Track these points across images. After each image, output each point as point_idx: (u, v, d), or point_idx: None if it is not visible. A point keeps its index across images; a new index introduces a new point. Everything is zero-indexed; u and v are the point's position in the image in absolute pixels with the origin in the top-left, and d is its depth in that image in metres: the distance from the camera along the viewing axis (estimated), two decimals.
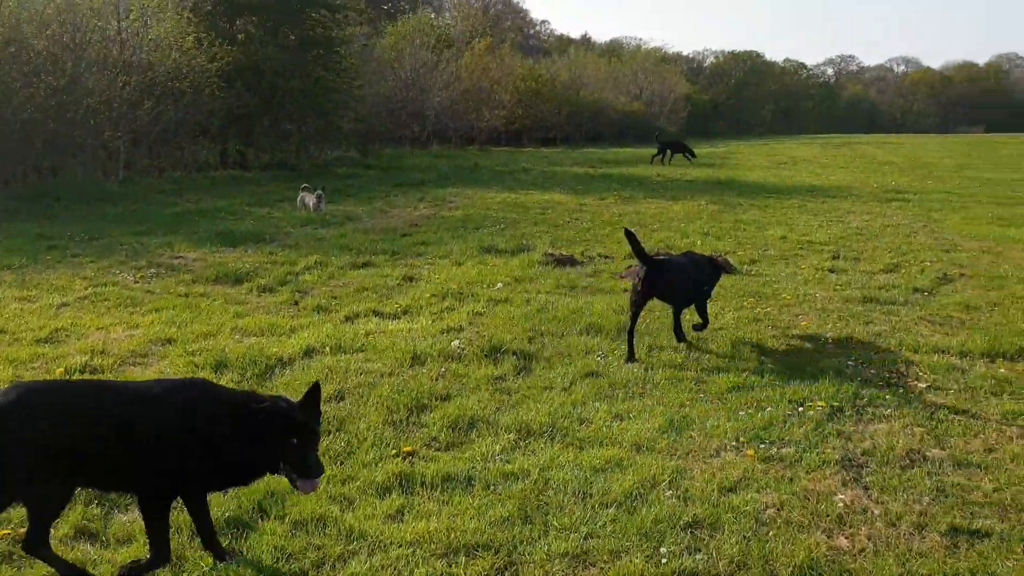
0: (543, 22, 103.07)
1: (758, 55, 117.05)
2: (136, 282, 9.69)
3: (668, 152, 32.66)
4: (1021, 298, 8.65)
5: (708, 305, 7.42)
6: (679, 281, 7.09)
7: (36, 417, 3.42)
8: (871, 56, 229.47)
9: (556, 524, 4.13)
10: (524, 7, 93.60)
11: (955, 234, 13.12)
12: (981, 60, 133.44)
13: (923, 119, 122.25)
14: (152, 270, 10.35)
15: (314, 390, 3.72)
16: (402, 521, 4.22)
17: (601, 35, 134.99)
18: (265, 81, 25.17)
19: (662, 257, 7.38)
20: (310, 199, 15.63)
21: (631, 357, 6.71)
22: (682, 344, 7.09)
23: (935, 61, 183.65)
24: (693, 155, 32.89)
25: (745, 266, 10.58)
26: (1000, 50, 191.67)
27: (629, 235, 6.99)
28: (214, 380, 6.05)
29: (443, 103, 43.94)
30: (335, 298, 9.04)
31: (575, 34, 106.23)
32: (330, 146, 29.96)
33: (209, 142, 26.29)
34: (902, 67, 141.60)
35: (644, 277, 6.90)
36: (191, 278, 9.91)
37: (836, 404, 5.58)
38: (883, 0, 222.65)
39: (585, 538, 4.01)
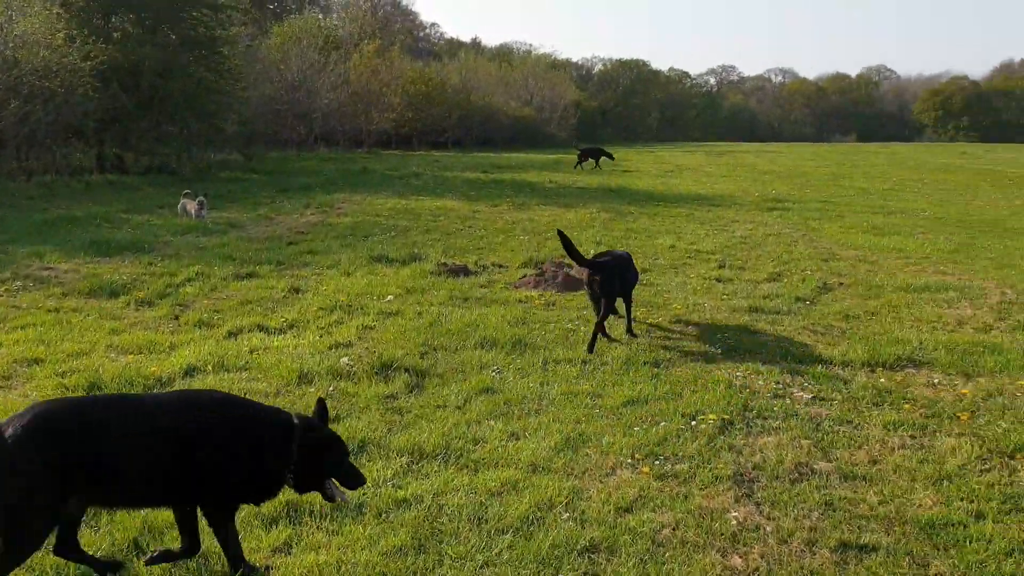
0: (433, 25, 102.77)
1: (644, 63, 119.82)
2: (0, 296, 9.07)
3: (587, 158, 34.08)
4: (897, 307, 8.99)
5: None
6: (624, 277, 7.89)
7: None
8: (751, 66, 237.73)
9: (451, 553, 4.00)
10: (414, 9, 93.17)
11: (833, 243, 13.62)
12: (853, 72, 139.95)
13: (800, 128, 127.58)
14: (19, 283, 9.71)
15: (322, 406, 3.95)
16: (290, 554, 4.03)
17: (491, 39, 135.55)
18: (144, 81, 24.18)
19: (606, 260, 7.92)
20: (191, 206, 15.05)
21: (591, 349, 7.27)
22: (577, 357, 7.07)
23: (810, 72, 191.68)
24: (612, 157, 34.71)
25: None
26: (870, 62, 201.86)
27: (563, 237, 7.56)
28: None
29: (331, 105, 43.20)
30: (217, 312, 8.67)
31: (465, 38, 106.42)
32: (213, 149, 29.01)
33: (84, 145, 25.07)
34: (780, 77, 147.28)
35: (601, 280, 7.55)
36: (62, 291, 9.35)
37: (727, 417, 5.64)
38: (762, 12, 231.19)
39: (481, 567, 3.90)
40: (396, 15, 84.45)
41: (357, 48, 53.51)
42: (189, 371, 6.62)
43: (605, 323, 7.61)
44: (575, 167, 33.54)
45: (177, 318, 8.41)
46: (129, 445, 3.45)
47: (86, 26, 23.80)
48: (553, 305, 9.12)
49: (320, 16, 66.24)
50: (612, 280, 7.63)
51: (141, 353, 7.14)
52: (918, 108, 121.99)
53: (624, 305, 8.05)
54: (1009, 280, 10.50)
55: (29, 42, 20.60)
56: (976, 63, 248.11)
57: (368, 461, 5.04)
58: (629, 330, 7.95)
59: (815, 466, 4.97)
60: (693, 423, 5.56)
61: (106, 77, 22.87)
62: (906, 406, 5.91)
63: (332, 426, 5.46)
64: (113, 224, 14.66)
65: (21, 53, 20.42)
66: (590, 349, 7.26)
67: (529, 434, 5.44)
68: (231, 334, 7.80)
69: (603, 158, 34.21)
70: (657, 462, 5.01)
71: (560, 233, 7.56)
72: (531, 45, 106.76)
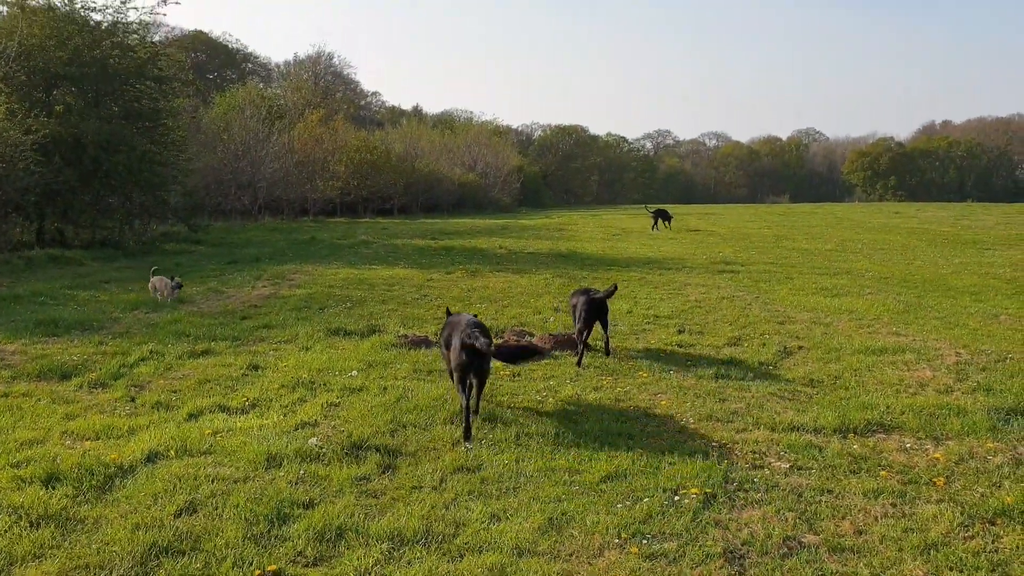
0: (374, 93, 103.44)
1: (583, 129, 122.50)
2: None
3: (659, 219, 36.46)
4: (858, 370, 9.12)
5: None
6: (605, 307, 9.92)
7: None
8: (685, 131, 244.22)
9: None
10: (355, 78, 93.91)
11: (786, 306, 13.84)
12: (784, 134, 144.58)
13: (734, 189, 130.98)
14: None
15: None
16: None
17: (432, 107, 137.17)
18: (86, 155, 23.80)
19: (597, 294, 9.97)
20: (162, 285, 14.45)
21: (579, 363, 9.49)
22: (551, 430, 7.00)
23: (743, 135, 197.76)
24: (670, 219, 36.90)
25: (597, 342, 10.72)
26: (799, 125, 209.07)
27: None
28: (43, 497, 5.47)
29: (276, 174, 43.07)
30: (175, 392, 8.42)
31: (406, 105, 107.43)
32: (156, 221, 28.56)
33: (24, 219, 24.44)
34: (714, 141, 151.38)
35: (588, 308, 9.70)
36: (10, 375, 9.00)
37: (709, 491, 5.60)
38: (697, 80, 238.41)
39: None
40: (338, 84, 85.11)
41: (301, 117, 53.66)
42: (151, 457, 6.38)
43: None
44: (652, 229, 35.65)
45: (134, 400, 8.14)
46: None
47: (27, 100, 23.48)
48: (518, 376, 9.05)
49: (262, 86, 66.45)
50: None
51: (99, 439, 6.87)
52: (847, 169, 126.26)
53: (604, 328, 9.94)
54: (961, 340, 10.75)
55: None
56: (899, 125, 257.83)
57: (347, 549, 4.88)
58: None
59: (803, 539, 4.94)
60: (676, 498, 5.51)
61: (48, 151, 22.50)
62: (883, 472, 5.95)
63: (305, 513, 5.34)
64: (59, 301, 14.24)
65: None
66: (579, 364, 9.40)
67: (511, 515, 5.33)
68: (191, 416, 7.57)
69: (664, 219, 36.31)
70: (644, 541, 4.94)
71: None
72: (472, 112, 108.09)
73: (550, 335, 10.90)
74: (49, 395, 8.24)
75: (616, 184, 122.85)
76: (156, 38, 34.83)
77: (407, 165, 61.02)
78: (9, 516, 5.25)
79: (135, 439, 6.81)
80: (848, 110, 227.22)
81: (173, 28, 70.98)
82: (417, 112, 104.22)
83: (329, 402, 7.96)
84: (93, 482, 5.83)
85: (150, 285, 14.90)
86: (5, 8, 24.91)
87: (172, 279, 14.65)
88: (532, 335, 11.21)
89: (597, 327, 9.85)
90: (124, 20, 26.33)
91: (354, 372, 9.15)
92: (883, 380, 8.70)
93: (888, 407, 7.57)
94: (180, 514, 5.33)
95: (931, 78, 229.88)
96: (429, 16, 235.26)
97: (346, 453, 6.46)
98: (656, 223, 36.16)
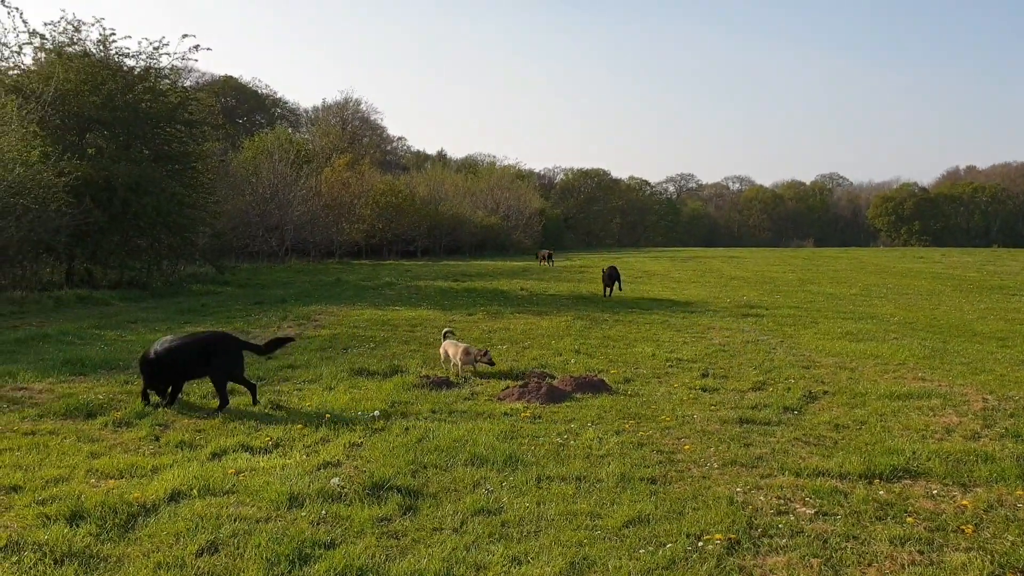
0: (400, 138, 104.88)
1: (605, 172, 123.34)
2: None
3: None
4: (884, 415, 9.03)
5: None
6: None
7: None
8: (708, 175, 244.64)
9: None
10: (382, 124, 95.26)
11: (811, 350, 13.74)
12: (807, 179, 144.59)
13: (758, 233, 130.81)
14: None
15: None
16: None
17: (456, 152, 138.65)
18: (117, 196, 24.27)
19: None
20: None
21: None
22: (572, 473, 6.96)
23: (766, 179, 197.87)
24: None
25: (619, 385, 10.69)
26: (822, 170, 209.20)
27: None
28: (67, 534, 5.51)
29: (303, 217, 43.60)
30: (199, 431, 8.47)
31: (431, 150, 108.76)
32: (183, 262, 28.95)
33: (54, 260, 24.90)
34: (737, 185, 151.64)
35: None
36: (37, 412, 9.09)
37: (733, 536, 5.54)
38: (721, 122, 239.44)
39: None
40: (365, 130, 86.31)
41: (328, 162, 54.41)
42: (174, 496, 6.41)
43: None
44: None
45: (158, 439, 8.19)
46: None
47: (61, 143, 24.02)
48: (539, 418, 9.02)
49: (290, 131, 67.49)
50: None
51: (123, 478, 6.91)
52: (872, 213, 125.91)
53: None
54: (988, 386, 10.63)
55: (5, 159, 20.65)
56: (923, 170, 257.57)
57: None
58: None
59: None
60: (699, 543, 5.45)
61: (79, 192, 22.95)
62: (909, 519, 5.86)
63: (327, 553, 5.32)
64: (86, 341, 14.42)
65: None
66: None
67: (532, 558, 5.29)
68: (215, 455, 7.60)
69: None
70: None
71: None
72: (495, 156, 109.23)
73: (571, 377, 10.88)
74: (75, 433, 8.31)
75: (638, 227, 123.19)
76: (187, 83, 35.65)
77: (431, 208, 61.66)
78: (34, 553, 5.28)
79: (158, 478, 6.84)
80: (871, 155, 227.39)
81: (204, 73, 72.59)
82: (441, 156, 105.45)
83: (351, 442, 7.97)
84: (116, 520, 5.85)
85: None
86: (43, 55, 25.58)
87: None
88: (554, 377, 11.20)
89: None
90: (156, 65, 26.99)
91: (376, 412, 9.18)
92: (909, 425, 8.59)
93: (914, 453, 7.47)
94: (202, 553, 5.34)
95: (955, 123, 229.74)
96: (453, 63, 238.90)
97: (368, 493, 6.45)
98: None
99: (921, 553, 5.33)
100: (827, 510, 6.09)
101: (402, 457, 7.44)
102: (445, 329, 13.04)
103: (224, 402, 9.39)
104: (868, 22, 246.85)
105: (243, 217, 39.45)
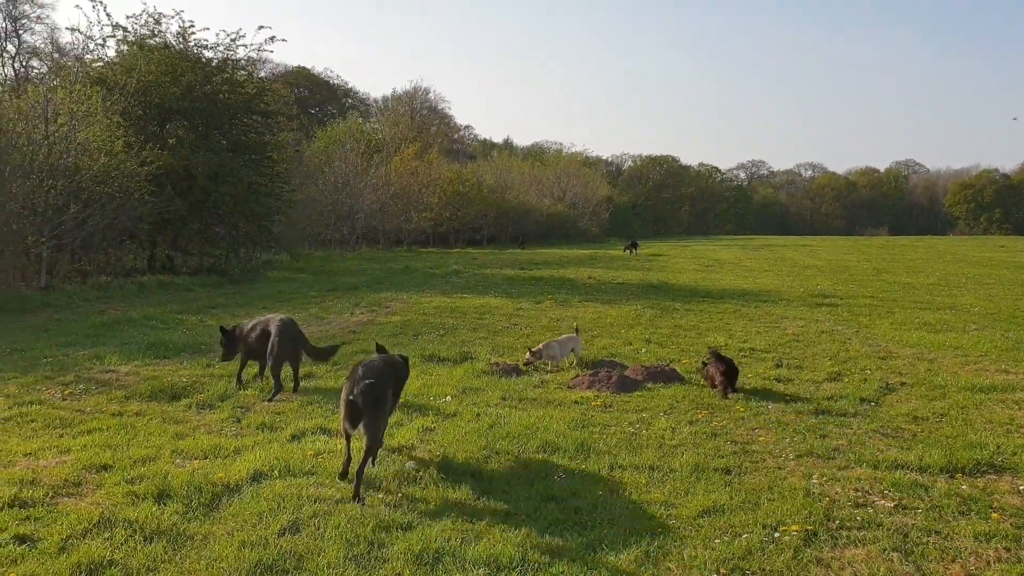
0: (467, 127, 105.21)
1: (674, 159, 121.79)
2: (64, 400, 9.19)
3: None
4: (965, 408, 8.81)
5: None
6: None
7: None
8: (779, 161, 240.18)
9: None
10: (449, 112, 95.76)
11: (887, 341, 13.45)
12: (881, 166, 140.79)
13: (831, 221, 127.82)
14: (81, 386, 9.85)
15: None
16: None
17: (522, 139, 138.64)
18: (196, 185, 24.96)
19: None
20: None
21: None
22: (644, 463, 6.96)
23: (839, 166, 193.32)
24: None
25: (692, 375, 10.62)
26: (896, 156, 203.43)
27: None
28: (156, 512, 5.73)
29: (373, 206, 44.17)
30: (279, 414, 8.70)
31: (498, 138, 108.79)
32: (260, 250, 29.63)
33: (136, 246, 25.77)
34: (809, 172, 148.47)
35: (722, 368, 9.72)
36: (124, 394, 9.44)
37: (810, 528, 5.48)
38: (790, 109, 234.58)
39: None
40: (433, 119, 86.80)
41: (397, 151, 54.95)
42: (256, 476, 6.60)
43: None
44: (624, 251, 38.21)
45: (239, 421, 8.44)
46: None
47: (142, 133, 24.76)
48: (610, 407, 9.03)
49: (361, 120, 68.28)
50: None
51: (207, 458, 7.14)
52: (949, 201, 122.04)
53: None
54: None
55: (90, 149, 21.41)
56: (1004, 156, 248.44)
57: (445, 573, 4.94)
58: None
59: None
60: (776, 534, 5.41)
61: (160, 181, 23.64)
62: (994, 515, 5.72)
63: (403, 535, 5.44)
64: (168, 325, 14.90)
65: (82, 160, 21.20)
66: None
67: (606, 545, 5.32)
68: (294, 437, 7.81)
69: None
70: None
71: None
72: (561, 144, 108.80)
73: (642, 366, 10.85)
74: (160, 415, 8.62)
75: (708, 214, 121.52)
76: (262, 74, 36.30)
77: (497, 196, 61.79)
78: (125, 530, 5.49)
79: (241, 459, 7.05)
80: (948, 141, 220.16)
81: (278, 64, 73.81)
82: (508, 145, 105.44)
83: (424, 427, 8.10)
84: (202, 499, 6.05)
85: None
86: (126, 47, 26.37)
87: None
88: (624, 366, 11.18)
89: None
90: (233, 57, 27.56)
91: (448, 398, 9.30)
92: (992, 419, 8.37)
93: (999, 447, 7.27)
94: (284, 533, 5.49)
95: None
96: (521, 53, 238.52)
97: (442, 478, 6.56)
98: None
99: (1007, 550, 5.20)
100: (907, 504, 5.98)
101: (474, 442, 7.54)
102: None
103: (284, 387, 9.77)
104: (945, 2, 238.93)
105: (316, 206, 40.14)
